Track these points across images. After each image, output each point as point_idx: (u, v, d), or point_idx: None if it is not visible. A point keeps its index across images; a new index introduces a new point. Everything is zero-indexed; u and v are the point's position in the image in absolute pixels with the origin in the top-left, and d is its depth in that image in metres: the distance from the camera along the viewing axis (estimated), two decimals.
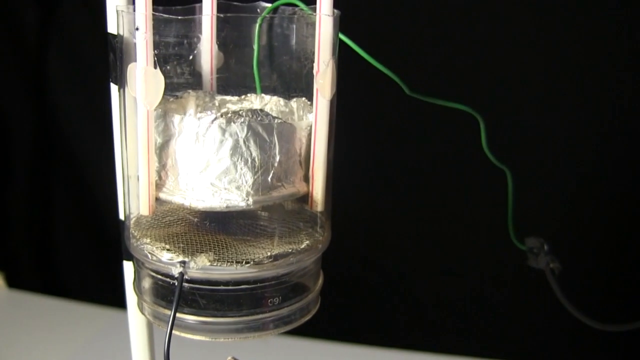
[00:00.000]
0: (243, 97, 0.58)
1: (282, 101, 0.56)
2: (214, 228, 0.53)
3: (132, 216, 0.54)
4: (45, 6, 1.20)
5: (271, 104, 0.56)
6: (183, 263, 0.50)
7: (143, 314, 0.55)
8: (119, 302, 1.24)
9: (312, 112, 0.53)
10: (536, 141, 0.96)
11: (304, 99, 0.55)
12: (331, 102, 0.52)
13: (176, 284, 0.50)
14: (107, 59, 1.15)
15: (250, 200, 0.49)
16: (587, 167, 0.97)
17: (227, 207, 0.49)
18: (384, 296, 1.09)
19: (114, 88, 0.55)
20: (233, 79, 0.59)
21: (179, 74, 0.57)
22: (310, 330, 1.14)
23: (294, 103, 0.56)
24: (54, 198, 1.32)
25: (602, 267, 1.00)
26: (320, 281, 0.56)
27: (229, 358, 0.60)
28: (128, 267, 0.60)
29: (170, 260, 0.50)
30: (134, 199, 0.54)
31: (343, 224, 0.56)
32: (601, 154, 0.96)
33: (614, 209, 0.96)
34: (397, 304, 1.09)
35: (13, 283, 1.32)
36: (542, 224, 0.75)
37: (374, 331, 1.15)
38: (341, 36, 0.53)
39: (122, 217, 0.58)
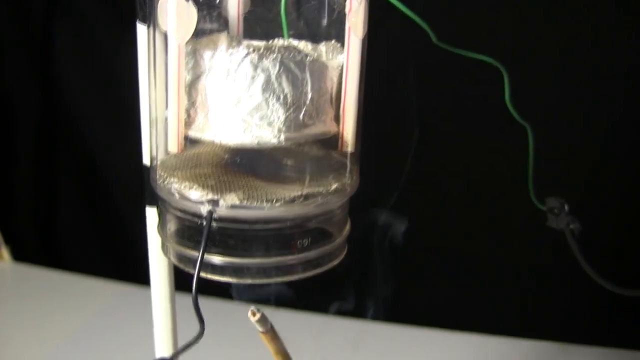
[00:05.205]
0: (270, 42, 0.57)
1: (310, 45, 0.56)
2: (243, 170, 0.52)
3: (158, 159, 0.54)
4: None
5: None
6: (212, 201, 0.49)
7: (167, 257, 0.55)
8: (124, 276, 1.25)
9: (342, 53, 0.52)
10: (560, 99, 0.95)
11: (333, 41, 0.54)
12: (362, 41, 0.51)
13: (204, 223, 0.49)
14: (115, 34, 1.14)
15: (282, 136, 0.49)
16: (612, 127, 0.96)
17: (258, 143, 0.49)
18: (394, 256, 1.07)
19: (141, 28, 0.54)
20: (259, 26, 0.58)
21: (206, 19, 0.56)
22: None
23: (322, 47, 0.55)
24: (60, 172, 1.31)
25: (626, 230, 0.99)
26: (348, 227, 0.55)
27: (252, 308, 0.60)
28: (151, 213, 0.59)
29: (199, 198, 0.49)
30: (160, 141, 0.53)
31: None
32: (627, 114, 0.95)
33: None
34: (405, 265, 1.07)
35: (19, 256, 1.32)
36: (564, 185, 0.75)
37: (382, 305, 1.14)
38: None
39: (146, 162, 0.57)
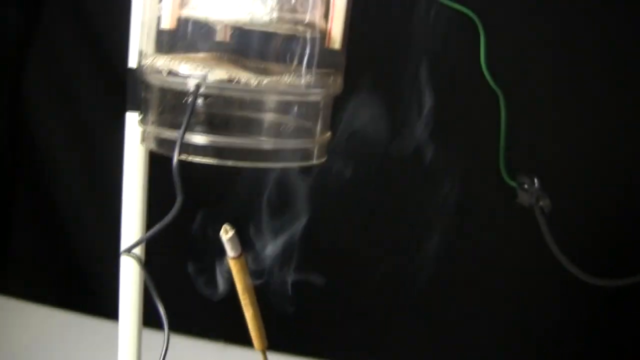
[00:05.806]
0: None
1: None
2: (234, 58, 0.53)
3: (146, 57, 0.54)
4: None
5: None
6: (200, 76, 0.49)
7: (147, 146, 0.54)
8: (68, 305, 1.18)
9: None
10: (540, 69, 0.90)
11: None
12: None
13: (190, 98, 0.49)
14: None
15: (274, 14, 0.50)
16: (594, 101, 0.91)
17: (251, 19, 0.50)
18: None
19: None
20: None
21: None
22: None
23: None
24: (12, 196, 1.28)
25: (600, 215, 0.93)
26: (329, 134, 0.56)
27: (225, 225, 0.58)
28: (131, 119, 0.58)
29: (187, 72, 0.50)
30: (149, 42, 0.54)
31: None
32: (611, 87, 0.90)
33: (619, 150, 0.90)
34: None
35: None
36: (537, 162, 0.73)
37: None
38: None
39: (132, 64, 0.57)
